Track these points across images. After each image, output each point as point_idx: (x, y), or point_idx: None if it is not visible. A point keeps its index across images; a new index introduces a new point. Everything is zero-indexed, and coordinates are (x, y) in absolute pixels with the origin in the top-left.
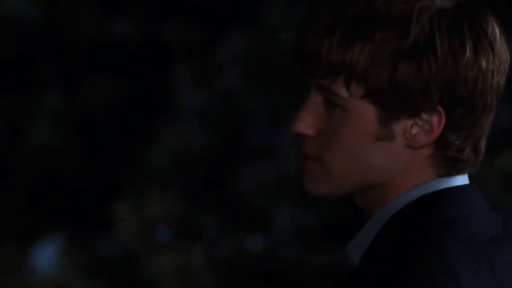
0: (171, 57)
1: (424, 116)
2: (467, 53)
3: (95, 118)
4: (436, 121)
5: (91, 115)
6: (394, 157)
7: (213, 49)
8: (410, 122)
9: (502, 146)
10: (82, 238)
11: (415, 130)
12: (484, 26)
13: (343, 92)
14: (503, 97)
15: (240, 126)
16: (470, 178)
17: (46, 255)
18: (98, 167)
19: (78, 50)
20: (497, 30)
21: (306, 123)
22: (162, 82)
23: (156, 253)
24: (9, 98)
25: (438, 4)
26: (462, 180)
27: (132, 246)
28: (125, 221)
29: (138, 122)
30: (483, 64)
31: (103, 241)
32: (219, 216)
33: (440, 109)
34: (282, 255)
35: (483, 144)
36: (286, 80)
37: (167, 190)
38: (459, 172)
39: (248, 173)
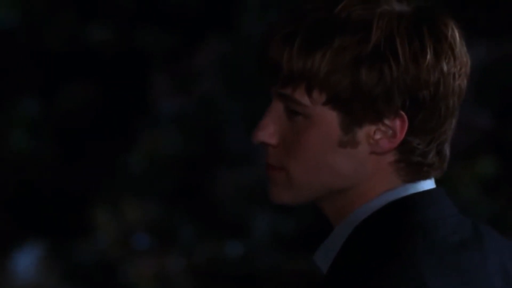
0: (148, 63)
1: (386, 121)
2: (428, 56)
3: (72, 124)
4: (399, 126)
5: (68, 121)
6: (358, 163)
7: (190, 55)
8: (373, 128)
9: (480, 150)
10: (60, 244)
11: (378, 136)
12: (443, 30)
13: (305, 100)
14: (480, 102)
15: (217, 132)
16: (448, 183)
17: (25, 262)
18: (75, 173)
19: (54, 56)
20: (456, 34)
21: (268, 132)
22: (139, 88)
23: (134, 259)
24: None
25: (397, 9)
26: (429, 184)
27: (110, 252)
28: (103, 227)
29: (115, 128)
30: (445, 67)
31: (82, 247)
32: (197, 222)
33: (403, 113)
34: (260, 261)
35: (447, 148)
36: (263, 86)
37: (145, 196)
38: (425, 177)
39: (225, 179)
